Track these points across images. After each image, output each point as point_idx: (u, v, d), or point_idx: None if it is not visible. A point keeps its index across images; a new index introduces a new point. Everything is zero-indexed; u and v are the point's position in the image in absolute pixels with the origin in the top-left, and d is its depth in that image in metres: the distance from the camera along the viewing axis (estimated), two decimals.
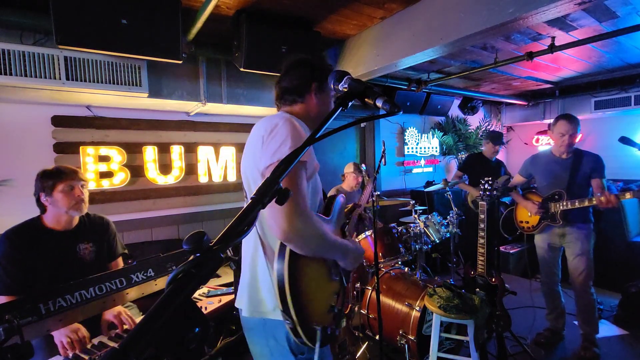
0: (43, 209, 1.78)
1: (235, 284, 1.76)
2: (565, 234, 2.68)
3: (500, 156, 6.24)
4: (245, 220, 0.56)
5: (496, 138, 3.72)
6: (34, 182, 1.77)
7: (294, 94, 1.28)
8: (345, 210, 1.84)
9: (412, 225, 3.07)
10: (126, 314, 1.78)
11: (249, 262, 1.18)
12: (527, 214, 2.87)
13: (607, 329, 2.92)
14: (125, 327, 1.74)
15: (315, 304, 1.10)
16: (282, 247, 1.05)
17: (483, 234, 2.40)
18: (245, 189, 1.25)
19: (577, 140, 2.64)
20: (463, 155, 5.45)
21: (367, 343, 2.67)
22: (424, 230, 3.08)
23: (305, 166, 1.08)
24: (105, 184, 2.82)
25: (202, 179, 3.33)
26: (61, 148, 2.65)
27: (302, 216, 1.00)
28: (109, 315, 1.75)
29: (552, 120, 5.47)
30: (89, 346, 1.59)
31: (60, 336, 1.55)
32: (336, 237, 1.16)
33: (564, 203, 2.59)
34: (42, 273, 1.71)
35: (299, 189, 1.03)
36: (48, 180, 1.75)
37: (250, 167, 1.17)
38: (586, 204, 2.49)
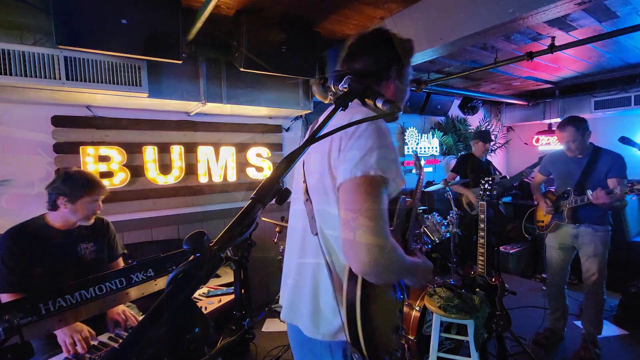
0: (53, 207, 1.78)
1: (240, 286, 1.76)
2: (579, 235, 2.64)
3: (500, 156, 6.27)
4: (245, 220, 0.56)
5: (486, 136, 3.73)
6: (57, 181, 1.78)
7: (369, 80, 1.05)
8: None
9: None
10: (130, 311, 1.80)
11: (309, 279, 1.02)
12: (543, 212, 2.87)
13: (607, 329, 2.92)
14: (129, 324, 1.77)
15: (383, 330, 0.99)
16: (353, 274, 0.91)
17: (483, 234, 2.40)
18: (300, 193, 1.08)
19: (587, 139, 2.57)
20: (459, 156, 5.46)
21: None
22: (424, 230, 3.09)
23: (387, 184, 0.89)
24: (105, 184, 2.81)
25: (202, 179, 3.33)
26: (61, 148, 2.65)
27: (385, 249, 0.84)
28: (113, 313, 1.78)
29: (552, 121, 5.49)
30: (91, 345, 1.59)
31: (63, 336, 1.55)
32: (410, 258, 0.99)
33: (570, 200, 2.59)
34: (43, 271, 1.73)
35: (380, 214, 0.85)
36: (80, 189, 1.75)
37: (314, 173, 1.00)
38: (585, 202, 2.49)
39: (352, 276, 0.92)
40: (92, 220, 1.87)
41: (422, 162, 2.10)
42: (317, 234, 1.00)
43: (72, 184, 1.75)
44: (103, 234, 1.99)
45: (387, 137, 0.91)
